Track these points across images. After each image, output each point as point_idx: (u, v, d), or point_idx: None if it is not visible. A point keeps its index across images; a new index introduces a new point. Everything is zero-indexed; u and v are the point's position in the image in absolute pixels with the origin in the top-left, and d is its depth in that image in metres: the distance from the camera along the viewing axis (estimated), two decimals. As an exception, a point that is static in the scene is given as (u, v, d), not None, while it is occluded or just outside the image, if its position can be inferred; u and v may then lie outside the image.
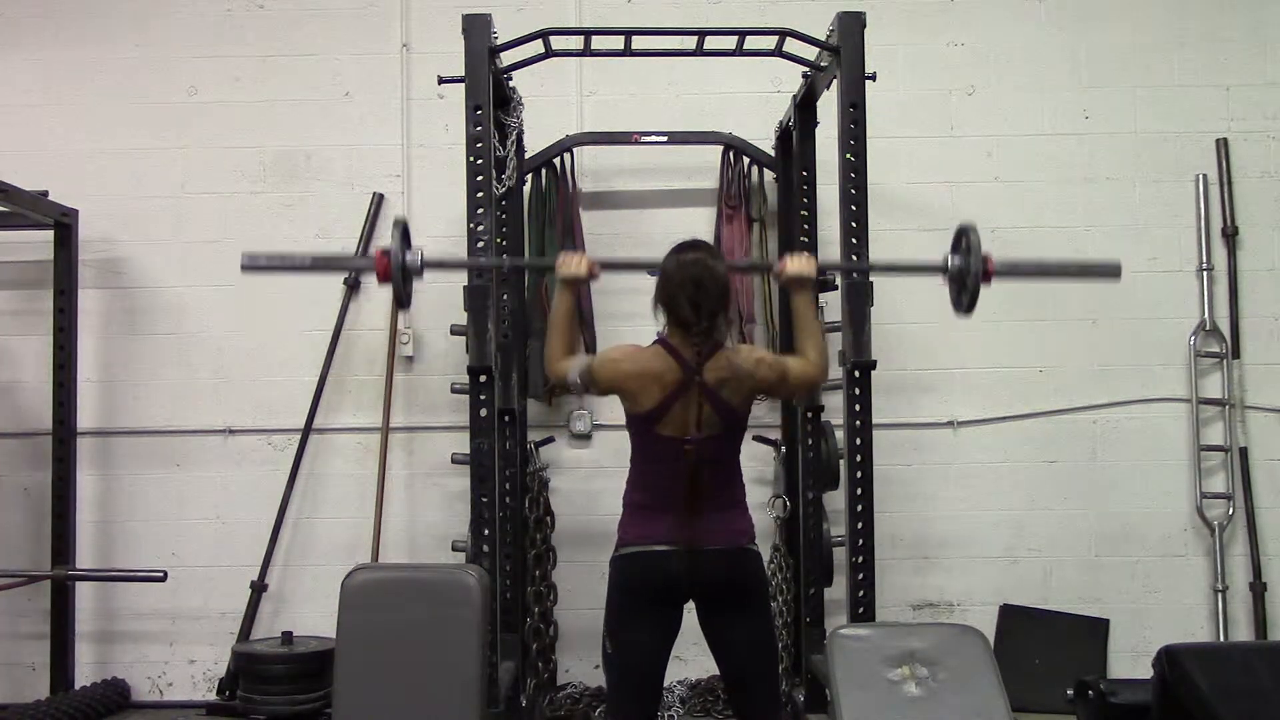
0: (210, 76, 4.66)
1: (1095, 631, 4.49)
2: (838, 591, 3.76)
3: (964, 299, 2.88)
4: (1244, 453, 4.55)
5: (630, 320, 4.22)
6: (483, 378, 3.30)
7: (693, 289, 2.64)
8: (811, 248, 4.08)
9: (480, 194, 3.34)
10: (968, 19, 4.69)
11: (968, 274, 2.84)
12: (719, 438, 2.69)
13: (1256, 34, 4.67)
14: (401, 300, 2.90)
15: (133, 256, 4.64)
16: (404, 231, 2.84)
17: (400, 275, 2.81)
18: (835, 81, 3.49)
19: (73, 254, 4.45)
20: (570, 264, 2.79)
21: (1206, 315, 4.57)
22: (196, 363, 4.61)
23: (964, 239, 2.86)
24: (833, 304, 3.75)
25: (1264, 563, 4.50)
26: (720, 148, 4.51)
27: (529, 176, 4.43)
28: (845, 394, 3.39)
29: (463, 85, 3.41)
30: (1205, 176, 4.61)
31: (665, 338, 2.72)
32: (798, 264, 2.80)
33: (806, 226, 4.03)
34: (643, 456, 2.75)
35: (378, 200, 4.61)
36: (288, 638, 4.24)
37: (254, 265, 2.89)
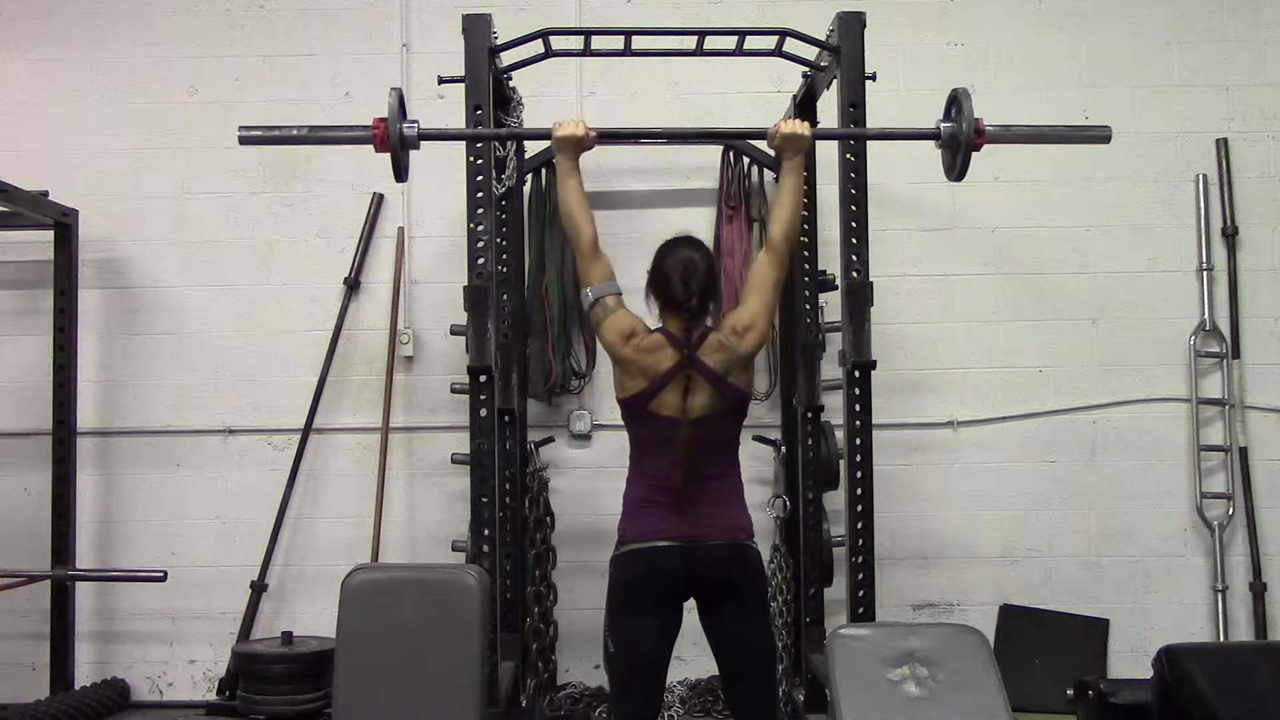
0: (210, 76, 4.66)
1: (1095, 631, 4.49)
2: (838, 591, 3.76)
3: (957, 163, 2.94)
4: (1244, 453, 4.55)
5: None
6: (483, 378, 3.30)
7: (682, 269, 2.74)
8: (811, 247, 4.09)
9: (480, 194, 3.34)
10: (968, 19, 4.69)
11: (960, 138, 2.87)
12: (719, 417, 2.72)
13: (1256, 34, 4.68)
14: (399, 172, 2.92)
15: (133, 256, 4.64)
16: (400, 100, 2.86)
17: (398, 144, 2.82)
18: (835, 81, 3.49)
19: (73, 254, 4.45)
20: (567, 126, 2.83)
21: (1206, 315, 4.57)
22: (196, 363, 4.61)
23: (956, 104, 2.89)
24: (833, 304, 3.75)
25: (1264, 563, 4.50)
26: (720, 148, 4.51)
27: (529, 176, 4.44)
28: (845, 394, 3.39)
29: (463, 85, 3.40)
30: (1205, 176, 4.62)
31: (663, 327, 2.79)
32: (791, 125, 2.87)
33: (806, 226, 4.03)
34: (640, 443, 2.77)
35: (378, 200, 4.61)
36: (288, 638, 4.24)
37: (251, 138, 2.89)
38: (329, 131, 3.03)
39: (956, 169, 2.95)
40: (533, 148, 4.36)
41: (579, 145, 2.84)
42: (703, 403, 2.69)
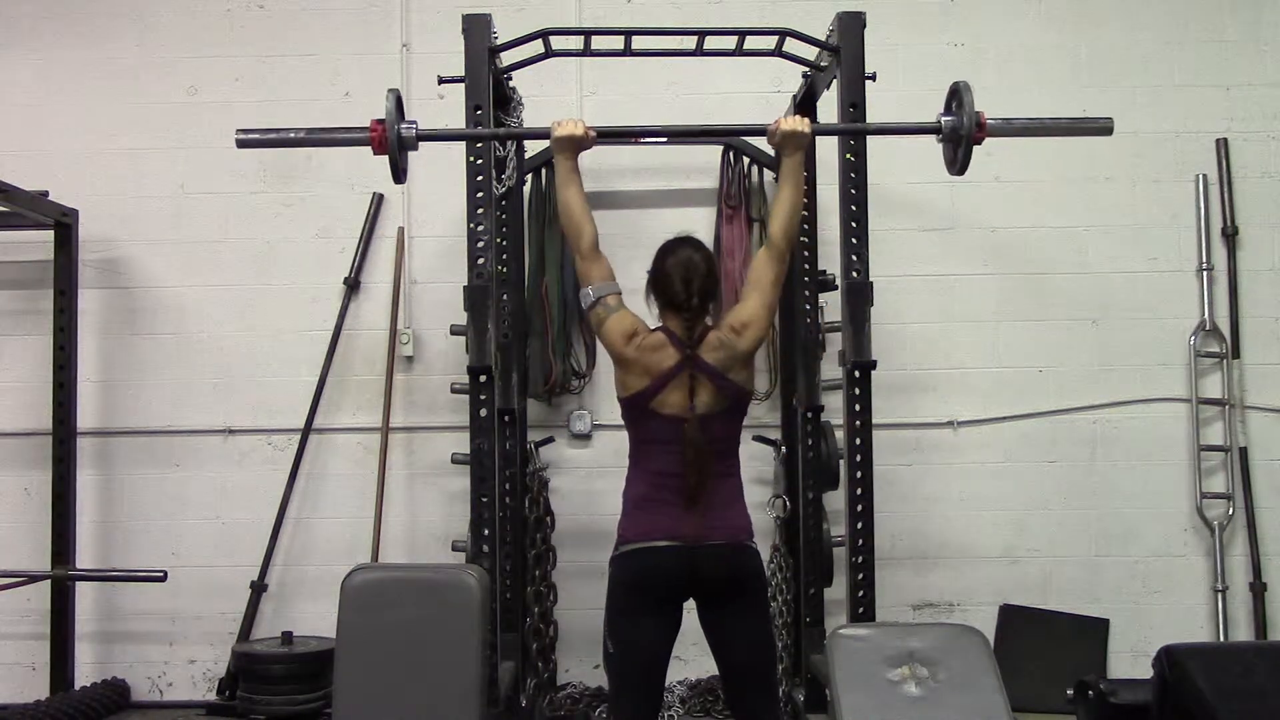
0: (210, 76, 4.66)
1: (1095, 631, 4.49)
2: (838, 591, 3.76)
3: (958, 157, 2.93)
4: (1244, 453, 4.55)
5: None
6: (483, 378, 3.30)
7: (683, 270, 2.74)
8: (811, 247, 4.09)
9: (480, 194, 3.34)
10: (968, 19, 4.69)
11: (961, 132, 2.86)
12: (721, 415, 2.72)
13: (1256, 34, 4.68)
14: (397, 174, 2.90)
15: (133, 256, 4.64)
16: (398, 101, 2.85)
17: (396, 145, 2.81)
18: (835, 81, 3.49)
19: (73, 254, 4.45)
20: (566, 125, 2.82)
21: (1206, 315, 4.57)
22: (196, 363, 4.61)
23: (956, 98, 2.89)
24: (833, 304, 3.75)
25: (1264, 563, 4.50)
26: (720, 148, 4.51)
27: (529, 176, 4.44)
28: (845, 394, 3.39)
29: (463, 85, 3.40)
30: (1205, 176, 4.61)
31: (664, 326, 2.79)
32: (791, 122, 2.86)
33: (807, 226, 4.03)
34: (642, 442, 2.77)
35: (378, 200, 4.61)
36: (288, 638, 4.24)
37: (249, 141, 2.88)
38: (327, 133, 3.02)
39: (958, 163, 2.94)
40: (533, 148, 4.36)
41: (578, 145, 2.83)
42: (704, 400, 2.69)
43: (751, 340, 2.76)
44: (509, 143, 3.86)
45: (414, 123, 2.86)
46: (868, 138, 3.43)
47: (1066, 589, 4.55)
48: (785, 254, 2.82)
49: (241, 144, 2.89)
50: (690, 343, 2.71)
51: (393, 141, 2.80)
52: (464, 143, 3.40)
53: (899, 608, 4.51)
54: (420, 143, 2.87)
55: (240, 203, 4.64)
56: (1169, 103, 4.65)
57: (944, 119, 2.94)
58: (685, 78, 4.60)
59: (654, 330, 2.78)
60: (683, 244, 2.83)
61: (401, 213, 4.61)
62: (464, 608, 2.83)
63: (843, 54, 3.42)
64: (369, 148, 2.86)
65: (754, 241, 4.51)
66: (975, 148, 2.92)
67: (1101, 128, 3.02)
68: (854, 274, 3.35)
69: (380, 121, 2.80)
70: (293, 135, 2.98)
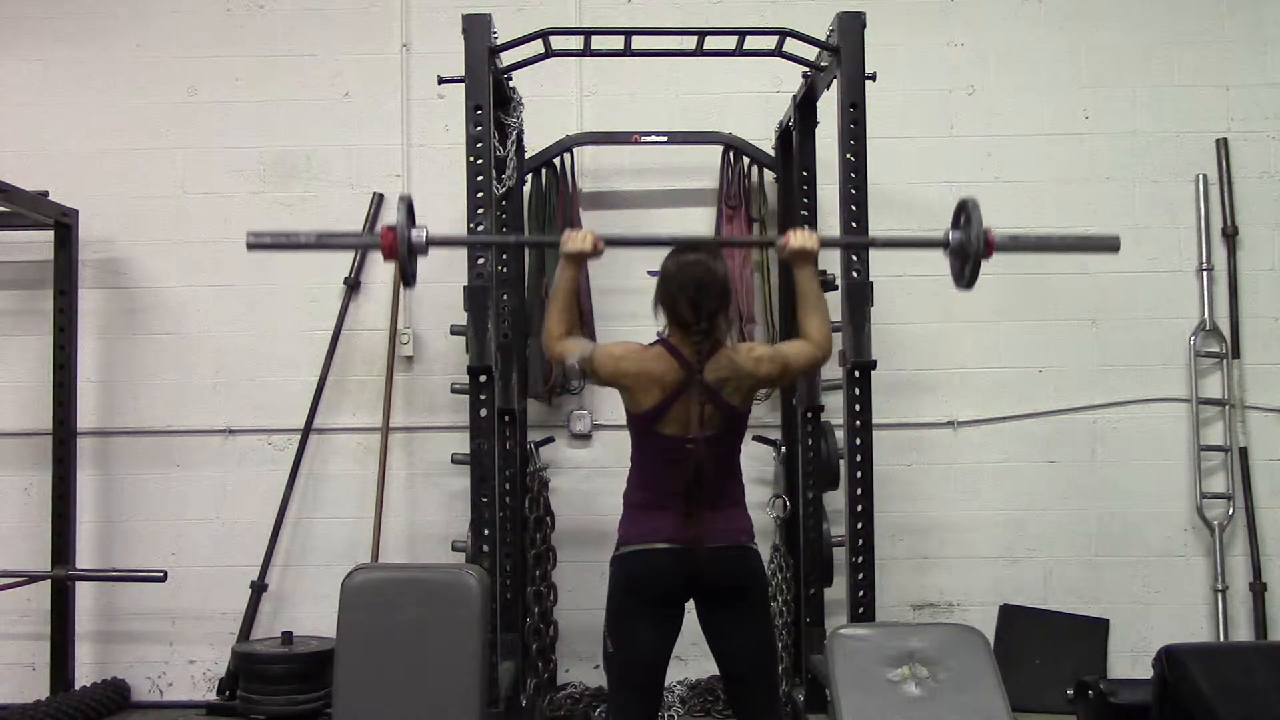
0: (210, 76, 4.66)
1: (1095, 631, 4.49)
2: (838, 591, 3.76)
3: (966, 273, 2.91)
4: (1244, 453, 4.55)
5: (630, 321, 4.22)
6: (483, 378, 3.31)
7: (693, 290, 2.65)
8: (811, 248, 4.09)
9: (480, 194, 3.34)
10: (968, 19, 4.69)
11: (969, 248, 2.84)
12: (721, 436, 2.69)
13: (1256, 34, 4.68)
14: (406, 278, 2.90)
15: (133, 256, 4.64)
16: (409, 208, 2.84)
17: (406, 251, 2.80)
18: (835, 81, 3.49)
19: (73, 254, 4.45)
20: (575, 239, 2.78)
21: (1206, 315, 4.57)
22: (196, 363, 4.61)
23: (965, 213, 2.87)
24: (833, 304, 3.74)
25: (1264, 563, 4.50)
26: (720, 148, 4.51)
27: (529, 176, 4.43)
28: (845, 394, 3.39)
29: (463, 85, 3.41)
30: (1205, 176, 4.61)
31: (666, 338, 2.74)
32: (800, 238, 2.81)
33: (806, 227, 4.02)
34: (644, 455, 2.75)
35: (378, 200, 4.61)
36: (288, 638, 4.24)
37: (259, 244, 2.86)
38: (338, 238, 2.99)
39: (965, 279, 2.92)
40: (533, 148, 4.35)
41: (586, 258, 2.81)
42: (707, 420, 2.64)
43: (762, 372, 2.72)
44: (509, 143, 3.87)
45: (424, 228, 2.82)
46: (866, 138, 3.42)
47: (1066, 589, 4.55)
48: (825, 354, 2.79)
49: (252, 247, 2.83)
50: (698, 361, 2.64)
51: (403, 249, 2.79)
52: (464, 141, 3.39)
53: (899, 608, 4.51)
54: (430, 248, 2.83)
55: (240, 203, 4.64)
56: (1169, 103, 4.65)
57: (951, 234, 2.91)
58: (685, 78, 4.60)
59: (653, 344, 2.74)
60: (694, 258, 2.70)
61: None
62: (464, 608, 2.83)
63: (843, 54, 3.42)
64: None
65: (754, 241, 4.53)
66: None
67: (1108, 246, 3.00)
68: (854, 274, 3.35)
69: (391, 228, 2.78)
70: (303, 240, 2.98)
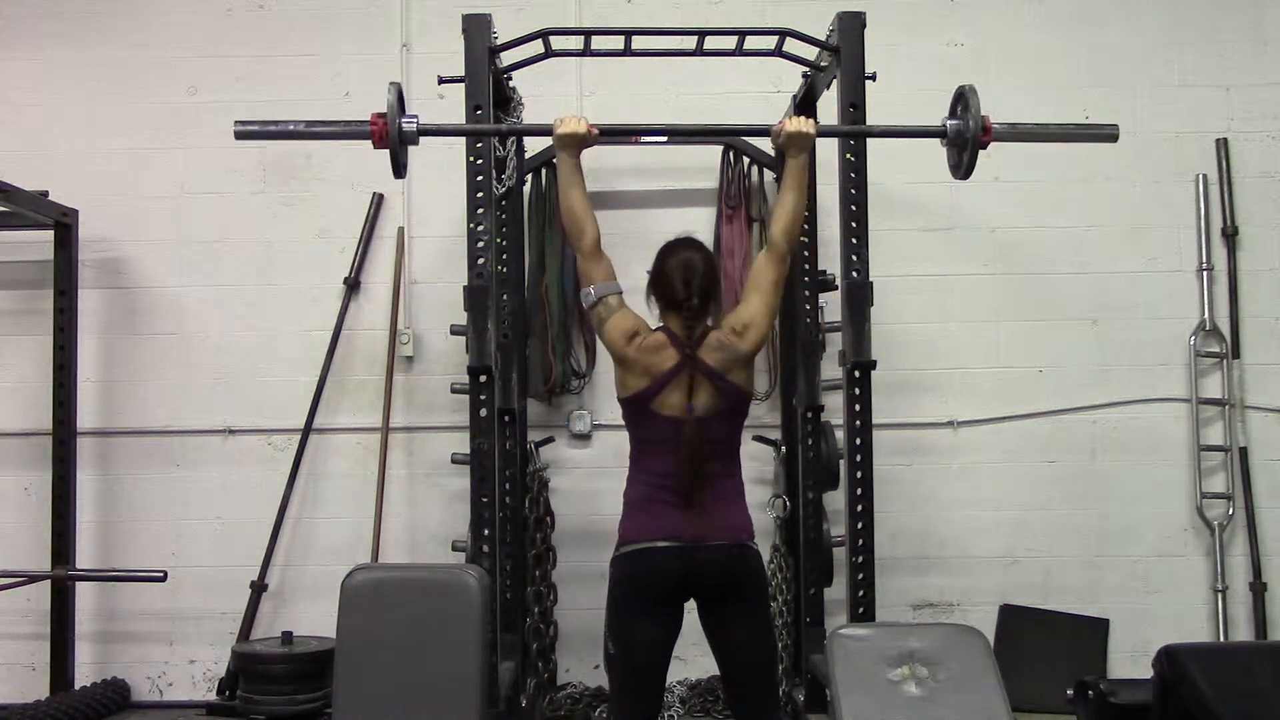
0: (210, 76, 4.66)
1: (1095, 631, 4.49)
2: (838, 591, 3.76)
3: (964, 161, 2.92)
4: (1244, 453, 4.55)
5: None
6: (483, 378, 3.31)
7: (683, 269, 2.74)
8: (811, 247, 4.09)
9: (480, 194, 3.34)
10: (968, 19, 4.69)
11: (966, 135, 2.85)
12: (720, 416, 2.71)
13: (1256, 34, 4.68)
14: (397, 168, 2.89)
15: (133, 256, 4.64)
16: (399, 95, 2.83)
17: (397, 139, 2.79)
18: (835, 81, 3.49)
19: (73, 254, 4.45)
20: (569, 123, 2.80)
21: (1206, 315, 4.57)
22: (196, 363, 4.61)
23: (962, 100, 2.88)
24: (833, 304, 3.75)
25: (1264, 563, 4.50)
26: (720, 148, 4.51)
27: (529, 176, 4.44)
28: (845, 394, 3.39)
29: (463, 85, 3.41)
30: (1205, 176, 4.61)
31: (664, 326, 2.79)
32: (796, 123, 2.85)
33: (807, 226, 4.03)
34: (642, 442, 2.77)
35: (378, 200, 4.61)
36: (288, 638, 4.24)
37: (247, 133, 2.87)
38: (327, 126, 3.00)
39: (963, 167, 2.93)
40: (533, 148, 4.36)
41: (581, 142, 2.82)
42: (704, 401, 2.69)
43: (753, 342, 2.76)
44: (509, 143, 3.87)
45: (415, 117, 2.84)
46: (868, 138, 3.42)
47: (1066, 589, 4.55)
48: (787, 256, 2.82)
49: (240, 135, 2.87)
50: (690, 343, 2.71)
51: (394, 135, 2.79)
52: (464, 141, 3.40)
53: (899, 608, 4.51)
54: (421, 137, 2.85)
55: (240, 203, 4.64)
56: (1169, 103, 4.65)
57: (949, 122, 2.93)
58: (685, 78, 4.59)
59: (655, 330, 2.77)
60: (683, 244, 2.83)
61: (401, 213, 4.62)
62: (464, 608, 2.83)
63: (843, 54, 3.42)
64: (369, 146, 2.85)
65: (754, 242, 4.52)
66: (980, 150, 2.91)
67: (1107, 134, 3.01)
68: (854, 274, 3.35)
69: (381, 115, 2.79)
70: (292, 128, 2.97)
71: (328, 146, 4.60)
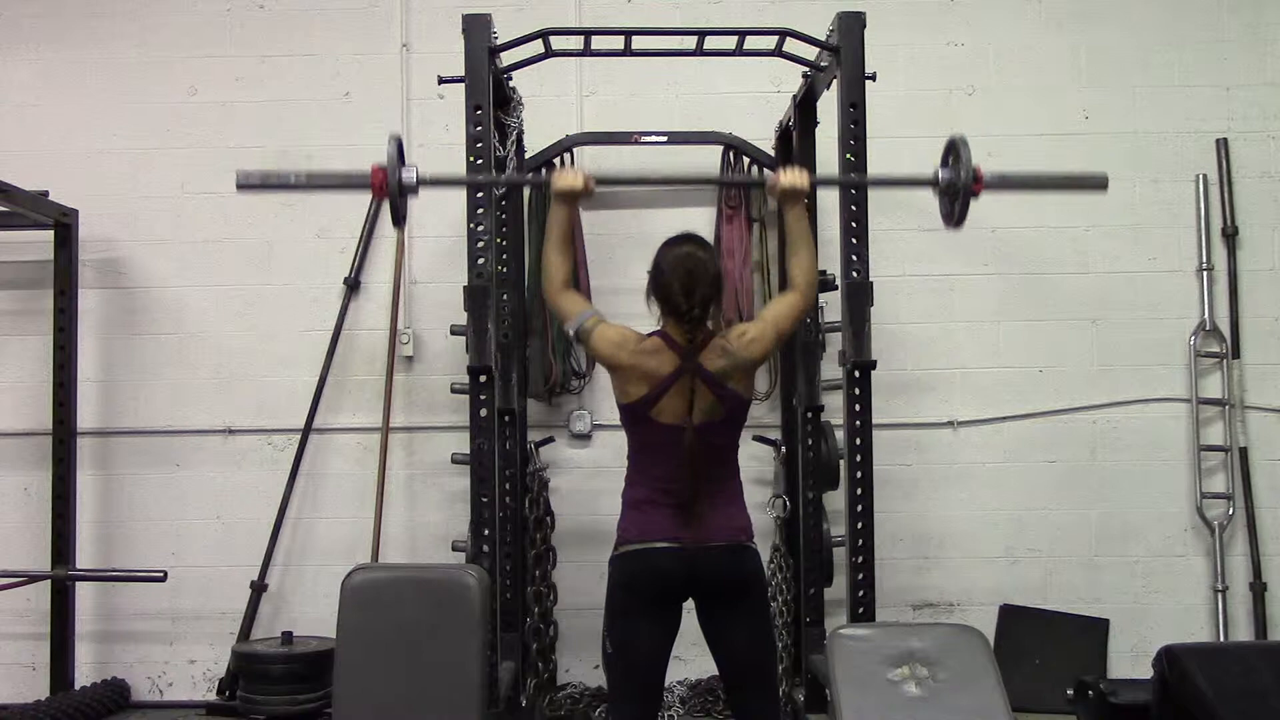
0: (210, 76, 4.66)
1: (1095, 631, 4.49)
2: (838, 591, 3.76)
3: (955, 211, 2.91)
4: (1244, 453, 4.55)
5: (628, 321, 4.18)
6: (483, 378, 3.30)
7: (685, 276, 2.67)
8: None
9: (480, 194, 3.34)
10: (968, 19, 4.69)
11: (958, 186, 2.85)
12: (720, 424, 2.70)
13: (1256, 34, 4.68)
14: (397, 219, 2.89)
15: (133, 256, 4.64)
16: (399, 147, 2.83)
17: (396, 190, 2.79)
18: (835, 81, 3.49)
19: (73, 254, 4.45)
20: (566, 177, 2.79)
21: (1206, 315, 4.57)
22: (196, 363, 4.61)
23: (954, 152, 2.88)
24: (833, 304, 3.75)
25: (1264, 563, 4.50)
26: (720, 148, 4.51)
27: (529, 176, 4.43)
28: (845, 394, 3.39)
29: (463, 85, 3.41)
30: (1205, 176, 4.62)
31: (662, 330, 2.74)
32: (791, 176, 2.81)
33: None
34: (641, 448, 2.76)
35: (377, 200, 4.60)
36: (288, 638, 4.24)
37: (249, 184, 2.85)
38: (326, 177, 2.99)
39: (955, 216, 2.92)
40: (533, 148, 4.35)
41: (578, 197, 2.81)
42: (704, 408, 2.66)
43: (755, 353, 2.72)
44: (509, 143, 3.87)
45: (414, 166, 2.81)
46: (866, 138, 3.42)
47: (1066, 589, 4.55)
48: (811, 299, 2.81)
49: (242, 187, 2.83)
50: (691, 349, 2.67)
51: (393, 187, 2.77)
52: (464, 142, 3.39)
53: (899, 608, 4.50)
54: (421, 187, 2.82)
55: (240, 203, 4.62)
56: (1169, 103, 4.65)
57: (941, 172, 2.92)
58: (685, 78, 4.60)
59: (650, 335, 2.75)
60: (684, 244, 2.75)
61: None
62: (464, 608, 2.83)
63: (843, 54, 3.42)
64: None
65: (754, 241, 4.52)
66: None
67: (1096, 184, 3.02)
68: (854, 274, 3.35)
69: (382, 167, 2.77)
70: (294, 180, 2.99)
71: (328, 147, 4.59)
